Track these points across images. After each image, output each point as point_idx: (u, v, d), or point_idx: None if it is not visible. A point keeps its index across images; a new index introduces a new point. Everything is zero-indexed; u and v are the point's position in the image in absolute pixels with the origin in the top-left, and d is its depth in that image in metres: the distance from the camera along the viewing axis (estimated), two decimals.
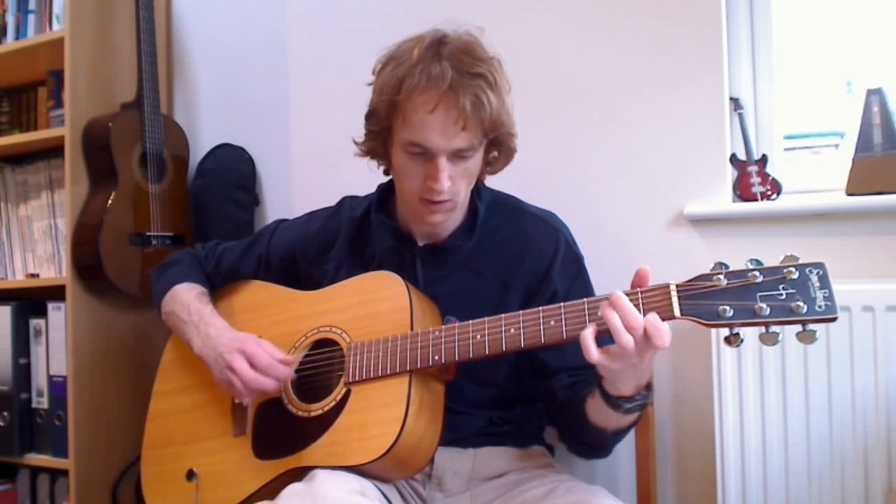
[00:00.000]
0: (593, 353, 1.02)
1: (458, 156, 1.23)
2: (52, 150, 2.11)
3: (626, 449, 1.59)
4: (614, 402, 1.10)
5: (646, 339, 1.00)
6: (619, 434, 1.19)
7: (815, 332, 0.97)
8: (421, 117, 1.19)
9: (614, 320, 1.01)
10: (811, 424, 1.44)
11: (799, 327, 0.97)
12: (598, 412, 1.16)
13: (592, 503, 1.15)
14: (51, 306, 2.06)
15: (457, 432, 1.28)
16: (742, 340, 1.00)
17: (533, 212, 1.41)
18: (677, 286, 1.03)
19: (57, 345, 2.05)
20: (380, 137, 1.30)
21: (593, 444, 1.24)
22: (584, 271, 1.38)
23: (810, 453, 1.44)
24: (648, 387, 1.11)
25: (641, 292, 1.04)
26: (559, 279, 1.33)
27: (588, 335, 1.03)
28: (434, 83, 1.18)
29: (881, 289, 1.40)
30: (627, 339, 1.00)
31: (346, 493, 1.08)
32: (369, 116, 1.30)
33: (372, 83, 1.29)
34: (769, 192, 1.64)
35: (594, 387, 1.14)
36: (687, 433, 1.66)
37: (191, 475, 1.34)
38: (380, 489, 1.17)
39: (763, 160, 1.66)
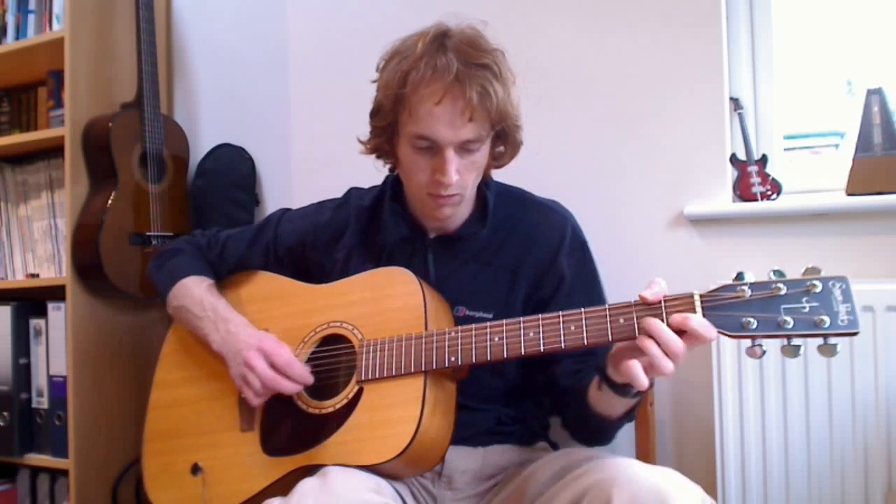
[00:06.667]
0: (644, 381, 1.02)
1: (465, 148, 1.22)
2: (52, 150, 2.11)
3: (626, 449, 1.59)
4: (622, 389, 1.10)
5: (689, 344, 1.00)
6: (624, 418, 1.19)
7: (836, 345, 0.96)
8: (427, 109, 1.19)
9: (653, 349, 1.00)
10: (811, 424, 1.44)
11: (820, 340, 0.97)
12: (602, 401, 1.16)
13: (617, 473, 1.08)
14: (51, 306, 2.07)
15: (466, 430, 1.27)
16: (765, 352, 0.99)
17: (539, 200, 1.42)
18: (701, 296, 1.02)
19: (57, 345, 2.05)
20: (385, 133, 1.30)
21: (598, 429, 1.25)
22: (590, 256, 1.39)
23: (810, 453, 1.45)
24: None
25: (665, 302, 1.03)
26: (567, 264, 1.34)
27: (636, 365, 1.02)
28: (440, 75, 1.18)
29: (881, 289, 1.40)
30: (667, 365, 1.00)
31: (361, 490, 1.08)
32: (374, 113, 1.30)
33: (376, 80, 1.29)
34: (769, 192, 1.64)
35: (595, 375, 1.15)
36: (687, 433, 1.66)
37: (196, 469, 1.32)
38: (393, 487, 1.17)
39: (763, 160, 1.66)
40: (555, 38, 1.80)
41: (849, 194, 1.54)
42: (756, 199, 1.64)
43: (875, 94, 1.54)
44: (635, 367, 1.01)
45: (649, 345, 1.00)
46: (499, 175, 1.40)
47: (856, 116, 1.57)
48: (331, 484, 1.08)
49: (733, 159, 1.66)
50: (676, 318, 1.01)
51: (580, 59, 1.77)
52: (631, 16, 1.72)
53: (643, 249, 1.70)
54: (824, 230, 1.56)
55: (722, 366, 1.51)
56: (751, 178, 1.65)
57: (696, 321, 1.00)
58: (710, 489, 1.52)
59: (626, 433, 1.58)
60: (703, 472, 1.58)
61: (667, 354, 1.00)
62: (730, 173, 1.67)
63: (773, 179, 1.65)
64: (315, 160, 2.10)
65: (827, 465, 1.43)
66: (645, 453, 1.52)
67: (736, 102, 1.69)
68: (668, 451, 1.66)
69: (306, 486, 1.09)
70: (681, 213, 1.66)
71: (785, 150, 1.72)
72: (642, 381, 1.01)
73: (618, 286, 1.37)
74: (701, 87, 1.66)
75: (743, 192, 1.66)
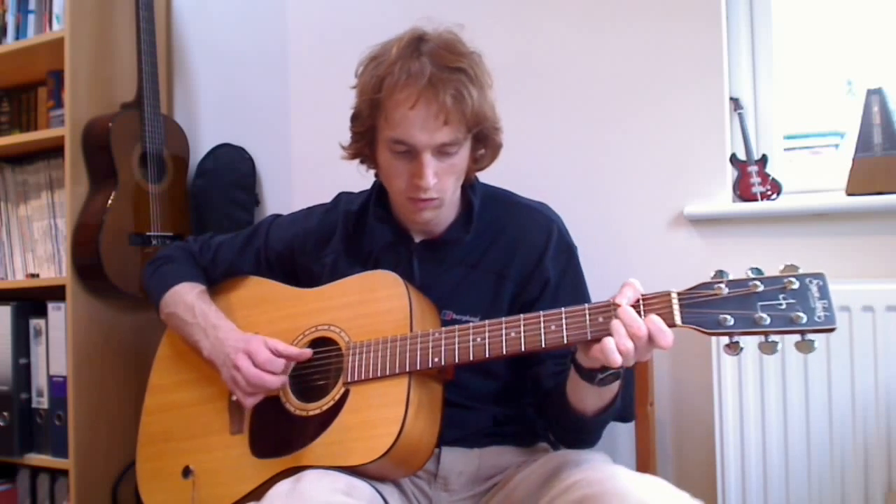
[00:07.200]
0: (616, 357, 1.02)
1: (442, 152, 1.23)
2: (52, 150, 2.11)
3: (626, 449, 1.60)
4: (588, 374, 1.11)
5: (649, 342, 1.01)
6: (600, 416, 1.19)
7: (813, 341, 0.97)
8: (402, 114, 1.20)
9: (618, 327, 1.02)
10: (811, 424, 1.44)
11: (798, 337, 0.98)
12: (575, 392, 1.16)
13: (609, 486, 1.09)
14: (51, 306, 2.07)
15: (461, 429, 1.28)
16: (742, 349, 1.01)
17: (526, 203, 1.42)
18: (678, 294, 1.03)
19: (57, 345, 2.05)
20: (365, 139, 1.31)
21: (575, 428, 1.24)
22: (576, 260, 1.39)
23: (810, 453, 1.45)
24: None
25: (643, 300, 1.04)
26: (552, 267, 1.34)
27: (609, 341, 1.03)
28: (413, 79, 1.19)
29: (881, 289, 1.40)
30: (627, 345, 1.01)
31: (330, 493, 1.08)
32: (354, 119, 1.32)
33: (355, 86, 1.30)
34: (769, 192, 1.64)
35: (571, 366, 1.16)
36: (687, 433, 1.66)
37: (187, 472, 1.34)
38: (376, 488, 1.17)
39: (763, 160, 1.66)
40: (554, 37, 1.80)
41: (849, 194, 1.54)
42: (756, 199, 1.64)
43: (875, 94, 1.54)
44: (608, 342, 1.02)
45: (616, 325, 1.02)
46: (499, 175, 1.40)
47: (856, 116, 1.56)
48: (301, 487, 1.08)
49: (733, 159, 1.66)
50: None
51: (579, 59, 1.77)
52: (630, 15, 1.72)
53: (643, 249, 1.70)
54: (824, 230, 1.56)
55: (722, 366, 1.51)
56: (751, 178, 1.65)
57: (654, 322, 1.01)
58: (710, 489, 1.53)
59: (627, 433, 1.58)
60: (703, 473, 1.58)
61: (630, 336, 1.01)
62: (730, 173, 1.67)
63: (773, 179, 1.65)
64: (315, 160, 2.10)
65: (827, 465, 1.43)
66: (645, 454, 1.52)
67: (736, 102, 1.69)
68: (667, 452, 1.66)
69: (278, 490, 1.10)
70: (681, 213, 1.66)
71: (785, 150, 1.72)
72: (615, 357, 1.01)
73: (617, 286, 1.37)
74: (701, 87, 1.66)
75: (743, 192, 1.66)
